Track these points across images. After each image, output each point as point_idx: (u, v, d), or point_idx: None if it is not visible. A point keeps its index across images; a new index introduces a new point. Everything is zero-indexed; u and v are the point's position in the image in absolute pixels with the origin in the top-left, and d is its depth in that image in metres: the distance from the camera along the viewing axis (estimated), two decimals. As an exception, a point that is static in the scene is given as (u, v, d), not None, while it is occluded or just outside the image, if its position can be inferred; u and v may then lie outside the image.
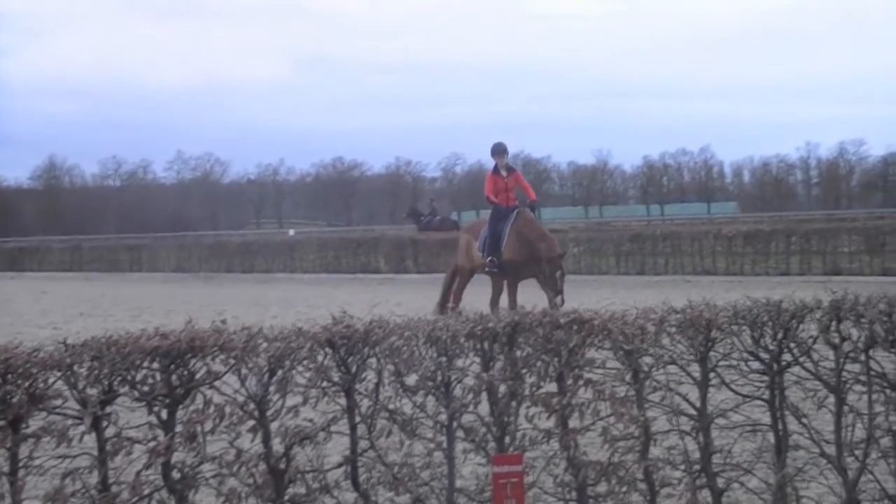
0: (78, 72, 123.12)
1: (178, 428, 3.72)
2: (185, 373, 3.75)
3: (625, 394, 4.31)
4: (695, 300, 4.58)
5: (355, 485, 4.06)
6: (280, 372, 3.87)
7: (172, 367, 3.73)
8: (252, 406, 3.83)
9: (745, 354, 4.49)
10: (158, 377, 3.72)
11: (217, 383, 3.81)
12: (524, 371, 4.21)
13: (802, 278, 20.54)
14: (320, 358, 3.97)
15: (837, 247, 22.24)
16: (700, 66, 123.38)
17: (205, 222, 77.51)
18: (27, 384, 3.50)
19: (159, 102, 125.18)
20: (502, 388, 4.18)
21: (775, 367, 4.48)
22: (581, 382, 4.25)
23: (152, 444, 3.66)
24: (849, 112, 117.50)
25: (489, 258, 13.00)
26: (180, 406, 3.75)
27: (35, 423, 3.55)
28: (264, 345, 3.88)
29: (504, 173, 13.31)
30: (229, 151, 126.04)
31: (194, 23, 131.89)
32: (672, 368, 4.46)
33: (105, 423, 3.64)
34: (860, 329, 4.46)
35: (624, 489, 4.25)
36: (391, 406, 4.08)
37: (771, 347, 4.48)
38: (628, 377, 4.35)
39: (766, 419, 4.56)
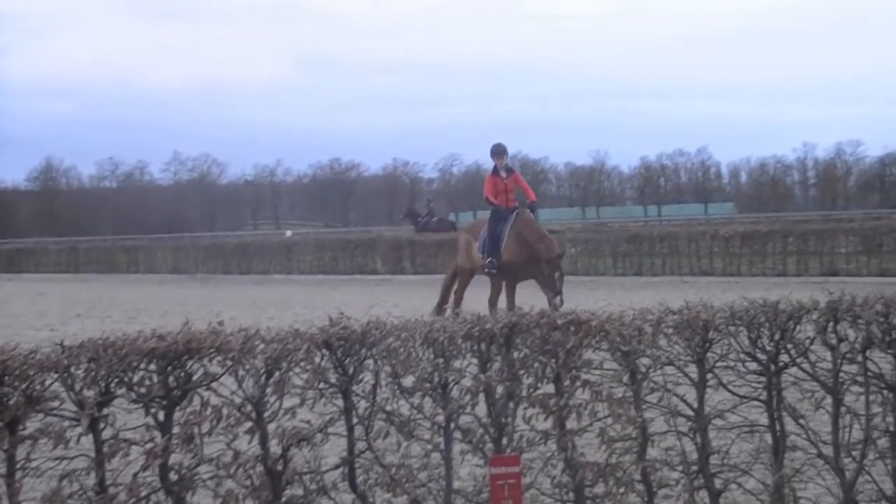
0: (77, 72, 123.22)
1: (176, 429, 3.71)
2: (182, 374, 3.75)
3: (622, 395, 4.31)
4: (692, 301, 4.58)
5: (353, 486, 4.06)
6: (277, 373, 3.86)
7: (169, 368, 3.72)
8: (249, 407, 3.82)
9: (742, 355, 4.49)
10: (155, 379, 3.71)
11: (214, 385, 3.80)
12: (521, 372, 4.21)
13: (799, 279, 20.55)
14: (317, 359, 3.96)
15: (834, 247, 22.23)
16: (699, 66, 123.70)
17: (201, 223, 77.46)
18: (24, 386, 3.50)
19: (158, 103, 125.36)
20: (500, 390, 4.18)
21: (772, 367, 4.48)
22: (578, 383, 4.24)
23: (149, 445, 3.64)
24: (846, 112, 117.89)
25: (489, 259, 12.99)
26: (177, 408, 3.74)
27: (32, 424, 3.54)
28: (261, 346, 3.87)
29: (503, 174, 13.28)
30: (227, 152, 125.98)
31: (194, 23, 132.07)
32: (669, 369, 4.46)
33: (102, 425, 3.63)
34: (857, 330, 4.47)
35: (621, 490, 4.25)
36: (388, 407, 4.07)
37: (768, 348, 4.48)
38: (626, 378, 4.35)
39: (764, 420, 4.56)
